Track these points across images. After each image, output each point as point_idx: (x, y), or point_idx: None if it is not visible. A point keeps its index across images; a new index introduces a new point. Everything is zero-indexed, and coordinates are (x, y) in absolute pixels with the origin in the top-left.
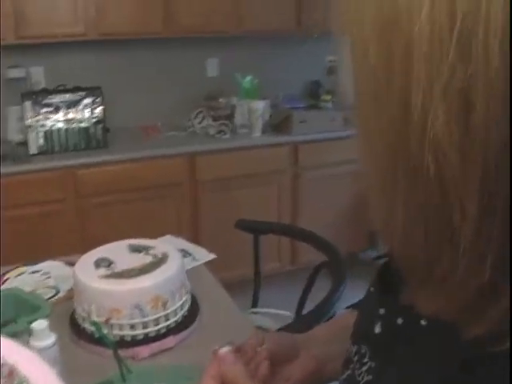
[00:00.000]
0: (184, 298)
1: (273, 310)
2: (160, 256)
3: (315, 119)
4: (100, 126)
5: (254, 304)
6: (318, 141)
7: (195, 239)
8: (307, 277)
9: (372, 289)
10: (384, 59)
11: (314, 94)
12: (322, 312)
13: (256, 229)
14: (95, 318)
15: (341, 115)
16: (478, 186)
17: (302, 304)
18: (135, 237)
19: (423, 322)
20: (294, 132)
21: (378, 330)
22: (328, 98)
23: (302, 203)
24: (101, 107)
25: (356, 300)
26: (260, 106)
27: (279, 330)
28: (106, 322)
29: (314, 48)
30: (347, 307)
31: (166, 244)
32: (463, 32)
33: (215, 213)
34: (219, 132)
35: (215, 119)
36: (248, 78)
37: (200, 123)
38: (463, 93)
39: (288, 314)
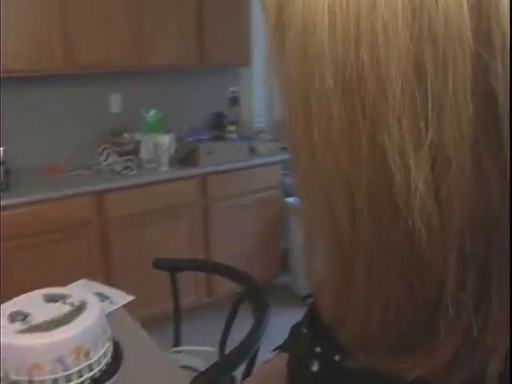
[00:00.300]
0: (106, 345)
1: (196, 348)
2: (78, 304)
3: (221, 150)
4: (0, 168)
5: (177, 342)
6: (226, 171)
7: (109, 280)
8: (227, 308)
9: (304, 330)
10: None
11: (218, 125)
12: (248, 347)
13: (173, 267)
14: (15, 377)
15: (246, 145)
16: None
17: (224, 339)
18: (45, 283)
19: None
20: (201, 164)
21: (315, 368)
22: (232, 128)
23: (214, 234)
24: (0, 148)
25: (278, 331)
26: (165, 139)
27: (205, 371)
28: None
29: (216, 80)
30: (274, 350)
31: (83, 290)
32: (433, 90)
33: (127, 251)
34: (126, 168)
35: (120, 155)
36: (152, 113)
37: (105, 160)
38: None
39: (212, 350)
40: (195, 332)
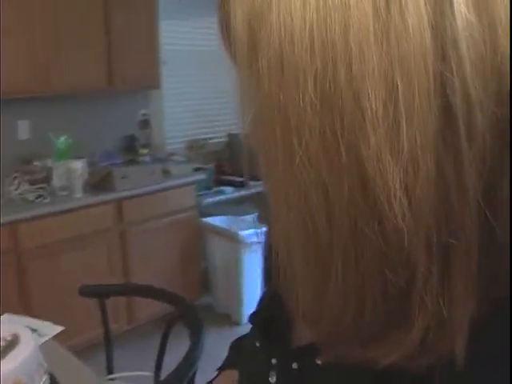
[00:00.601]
0: (43, 379)
1: (132, 373)
2: (10, 338)
3: (135, 174)
4: None
5: (110, 369)
6: (141, 195)
7: (30, 313)
8: (150, 333)
9: (258, 343)
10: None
11: (130, 148)
12: (187, 369)
13: (101, 293)
14: None
15: (159, 167)
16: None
17: (160, 362)
18: None
19: (318, 361)
20: (116, 189)
21: (273, 380)
22: (145, 151)
23: (133, 259)
24: None
25: (205, 351)
26: (78, 165)
27: None
28: None
29: (126, 103)
30: (218, 369)
31: (11, 324)
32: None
33: (46, 281)
34: (38, 197)
35: (32, 183)
36: (62, 139)
37: (17, 189)
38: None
39: (147, 375)
40: (124, 359)
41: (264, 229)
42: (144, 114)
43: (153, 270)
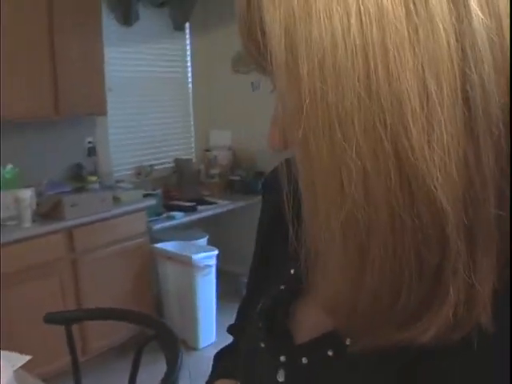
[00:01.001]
0: None
1: None
2: None
3: (85, 202)
4: None
5: None
6: (91, 223)
7: None
8: (104, 363)
9: (262, 344)
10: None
11: (78, 176)
12: None
13: (67, 319)
14: None
15: (110, 194)
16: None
17: None
18: None
19: (330, 353)
20: (66, 217)
21: (281, 378)
22: (93, 179)
23: (85, 288)
24: None
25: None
26: (26, 194)
27: None
28: None
29: (73, 131)
30: (207, 382)
31: None
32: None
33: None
34: None
35: None
36: (8, 168)
37: None
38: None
39: None
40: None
41: (216, 252)
42: (90, 142)
43: (106, 297)
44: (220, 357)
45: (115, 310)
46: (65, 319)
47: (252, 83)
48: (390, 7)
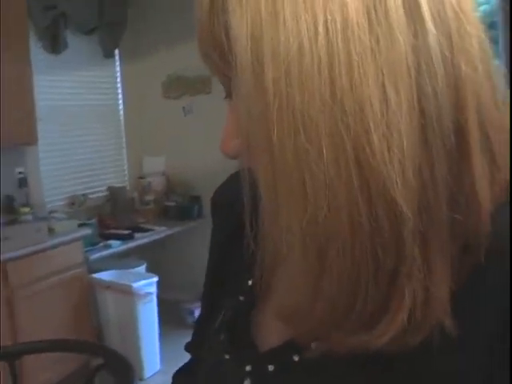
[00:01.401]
0: None
1: None
2: None
3: (19, 234)
4: None
5: None
6: (26, 255)
7: None
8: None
9: (227, 356)
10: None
11: (9, 209)
12: None
13: (11, 354)
14: None
15: (44, 225)
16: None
17: None
18: None
19: (295, 358)
20: None
21: None
22: (26, 210)
23: (22, 323)
24: None
25: None
26: None
27: None
28: None
29: (2, 161)
30: None
31: None
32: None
33: None
34: None
35: None
36: None
37: None
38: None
39: None
40: None
41: (156, 279)
42: (21, 172)
43: (45, 331)
44: (179, 376)
45: (63, 341)
46: (8, 354)
47: (183, 108)
48: (354, 18)
